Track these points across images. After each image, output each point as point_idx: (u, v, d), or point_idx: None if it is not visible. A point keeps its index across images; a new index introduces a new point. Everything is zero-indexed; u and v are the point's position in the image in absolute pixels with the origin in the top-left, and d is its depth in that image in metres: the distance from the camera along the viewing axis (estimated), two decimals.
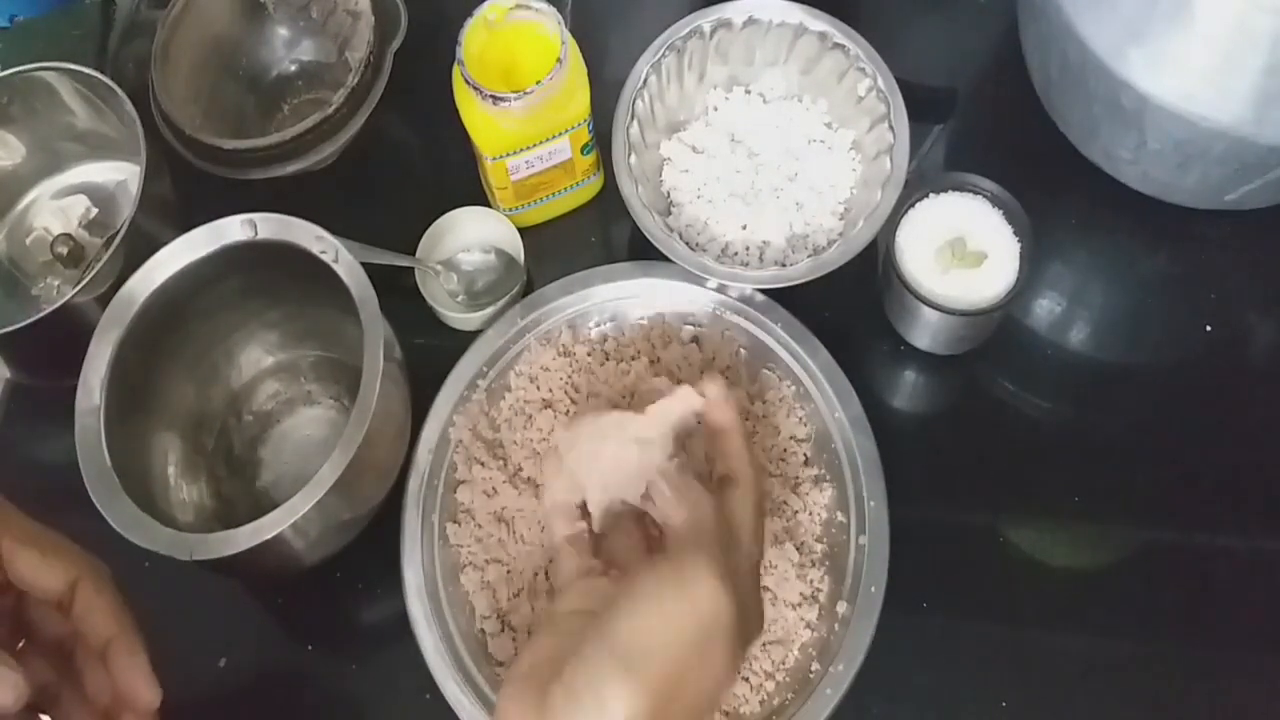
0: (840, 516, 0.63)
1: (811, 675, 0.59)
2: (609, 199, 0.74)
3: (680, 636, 0.42)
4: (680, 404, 0.51)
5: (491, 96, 0.63)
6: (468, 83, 0.64)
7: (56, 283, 0.74)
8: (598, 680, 0.41)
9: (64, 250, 0.73)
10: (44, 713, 0.49)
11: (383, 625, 0.65)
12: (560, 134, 0.67)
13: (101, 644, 0.49)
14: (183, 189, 0.71)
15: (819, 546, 0.63)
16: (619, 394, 0.66)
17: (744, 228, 0.69)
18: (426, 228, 0.72)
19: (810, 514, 0.63)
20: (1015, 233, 0.64)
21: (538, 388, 0.67)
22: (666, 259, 0.65)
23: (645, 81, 0.68)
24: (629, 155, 0.67)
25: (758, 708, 0.60)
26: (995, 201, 0.65)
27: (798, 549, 0.62)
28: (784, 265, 0.67)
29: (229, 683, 0.65)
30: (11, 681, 0.44)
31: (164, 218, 0.68)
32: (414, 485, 0.64)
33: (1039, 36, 0.69)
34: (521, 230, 0.72)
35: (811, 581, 0.62)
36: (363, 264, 0.61)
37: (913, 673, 0.62)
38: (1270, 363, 0.69)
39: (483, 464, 0.65)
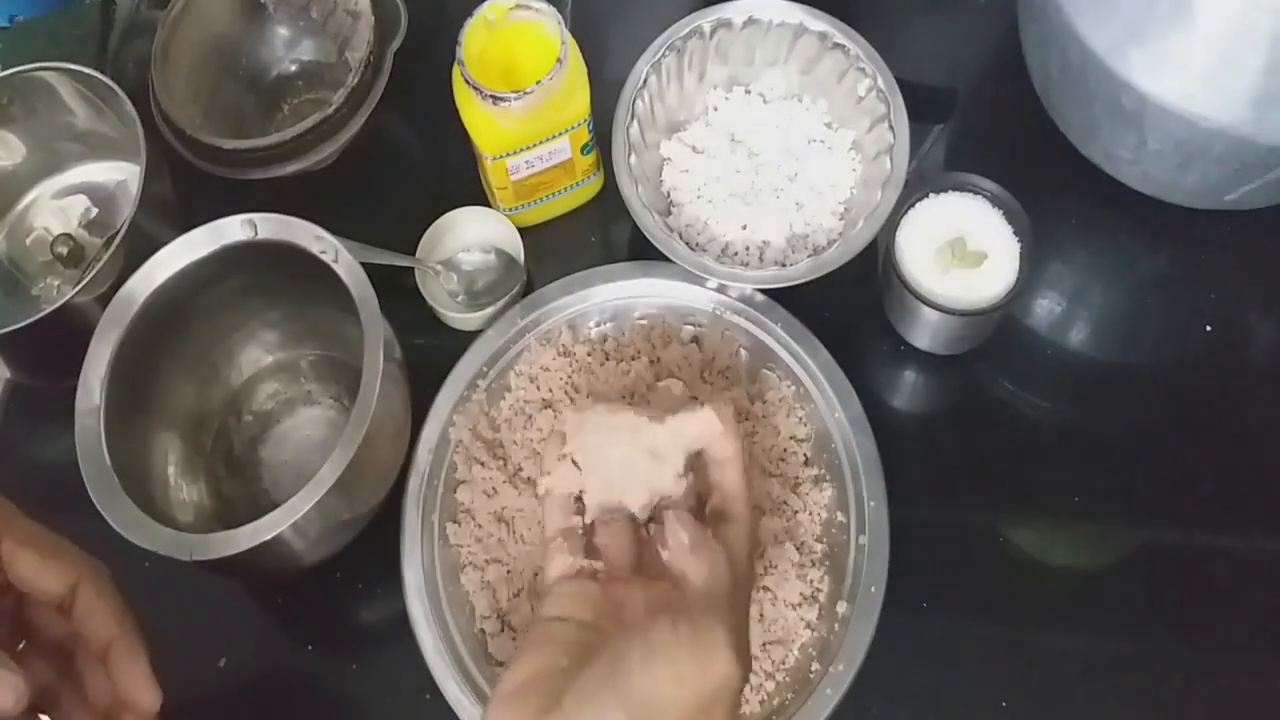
0: (840, 516, 0.63)
1: (811, 675, 0.59)
2: (609, 199, 0.73)
3: (691, 700, 0.42)
4: (700, 425, 0.49)
5: (491, 96, 0.63)
6: (468, 83, 0.64)
7: (56, 283, 0.74)
8: None
9: (64, 250, 0.73)
10: (44, 713, 0.49)
11: (383, 625, 0.65)
12: (560, 134, 0.67)
13: (102, 646, 0.49)
14: (183, 189, 0.71)
15: (819, 546, 0.63)
16: (621, 393, 0.66)
17: (744, 228, 0.69)
18: (426, 228, 0.72)
19: (810, 514, 0.63)
20: (1015, 233, 0.64)
21: (538, 388, 0.67)
22: (666, 259, 0.65)
23: (645, 81, 0.68)
24: (629, 155, 0.67)
25: (758, 708, 0.60)
26: (995, 201, 0.65)
27: (798, 549, 0.62)
28: (784, 265, 0.67)
29: (229, 683, 0.65)
30: (12, 684, 0.44)
31: (164, 218, 0.68)
32: (414, 485, 0.64)
33: (1039, 36, 0.69)
34: (521, 230, 0.72)
35: (811, 581, 0.62)
36: (363, 264, 0.61)
37: (913, 673, 0.62)
38: (1270, 363, 0.69)
39: (483, 464, 0.65)
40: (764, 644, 0.61)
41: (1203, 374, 0.69)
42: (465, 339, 0.68)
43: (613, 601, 0.48)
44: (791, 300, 0.66)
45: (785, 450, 0.65)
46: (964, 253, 0.64)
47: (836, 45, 0.68)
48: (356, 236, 0.65)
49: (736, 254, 0.69)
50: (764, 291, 0.66)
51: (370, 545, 0.63)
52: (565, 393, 0.67)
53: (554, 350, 0.68)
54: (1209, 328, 0.70)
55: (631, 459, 0.49)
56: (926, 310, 0.63)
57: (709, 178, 0.70)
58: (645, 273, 0.68)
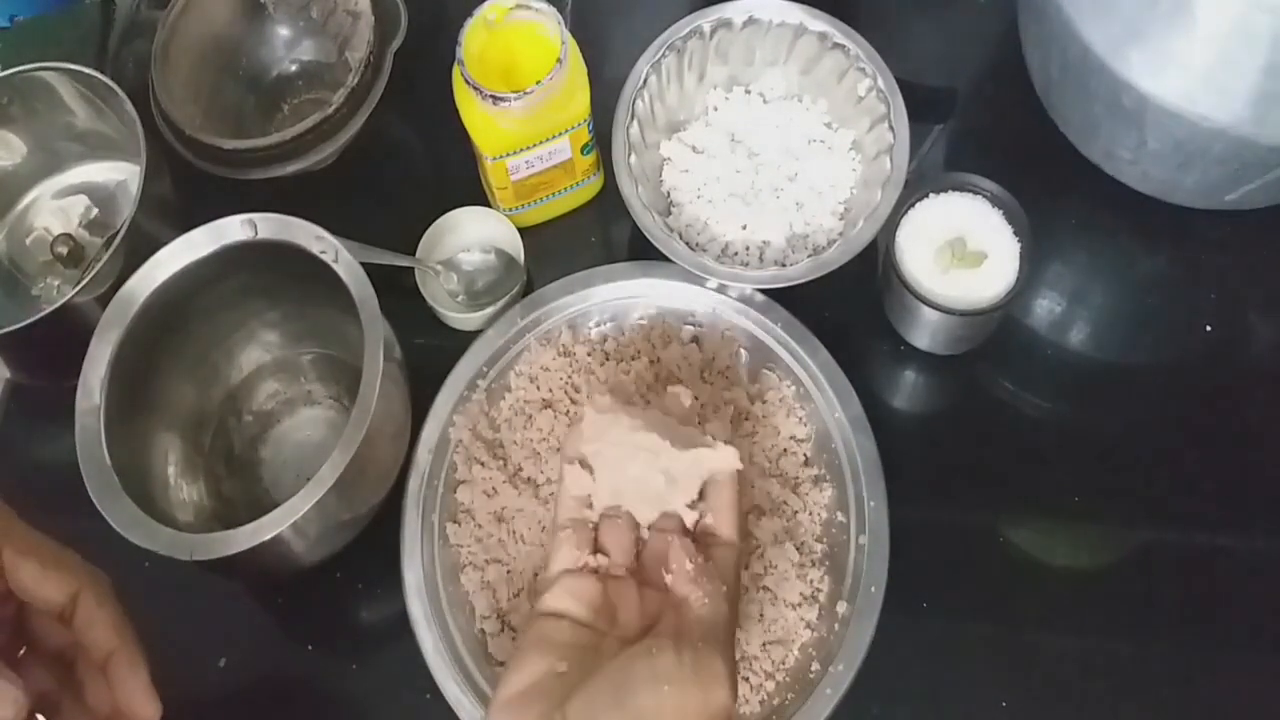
0: (840, 516, 0.63)
1: (811, 675, 0.59)
2: (609, 199, 0.73)
3: None
4: (719, 460, 0.51)
5: (491, 96, 0.63)
6: (468, 83, 0.64)
7: (56, 283, 0.74)
8: None
9: (64, 250, 0.73)
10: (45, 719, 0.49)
11: (383, 625, 0.65)
12: (560, 134, 0.67)
13: (102, 656, 0.49)
14: (183, 189, 0.71)
15: (819, 546, 0.63)
16: (636, 393, 0.65)
17: (744, 228, 0.69)
18: (426, 228, 0.72)
19: (810, 514, 0.63)
20: (1015, 233, 0.64)
21: (538, 388, 0.67)
22: (666, 259, 0.65)
23: (645, 81, 0.68)
24: (629, 155, 0.67)
25: (758, 708, 0.60)
26: (995, 201, 0.65)
27: (798, 549, 0.62)
28: (784, 265, 0.67)
29: (229, 683, 0.65)
30: (11, 696, 0.44)
31: (164, 218, 0.68)
32: (414, 485, 0.64)
33: (1039, 36, 0.69)
34: (521, 230, 0.72)
35: (811, 581, 0.62)
36: (363, 264, 0.61)
37: (913, 673, 0.62)
38: (1270, 363, 0.69)
39: (483, 464, 0.65)
40: (764, 644, 0.61)
41: (1203, 374, 0.69)
42: (465, 339, 0.68)
43: (609, 600, 0.49)
44: (791, 300, 0.66)
45: (785, 450, 0.65)
46: (964, 253, 0.64)
47: (836, 45, 0.68)
48: (356, 236, 0.65)
49: (736, 254, 0.69)
50: (764, 291, 0.66)
51: (370, 545, 0.63)
52: (565, 393, 0.67)
53: (554, 350, 0.68)
54: (1209, 328, 0.70)
55: (648, 479, 0.51)
56: (926, 310, 0.63)
57: (709, 178, 0.70)
58: (645, 273, 0.68)
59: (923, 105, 0.69)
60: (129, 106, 0.68)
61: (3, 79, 0.70)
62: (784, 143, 0.71)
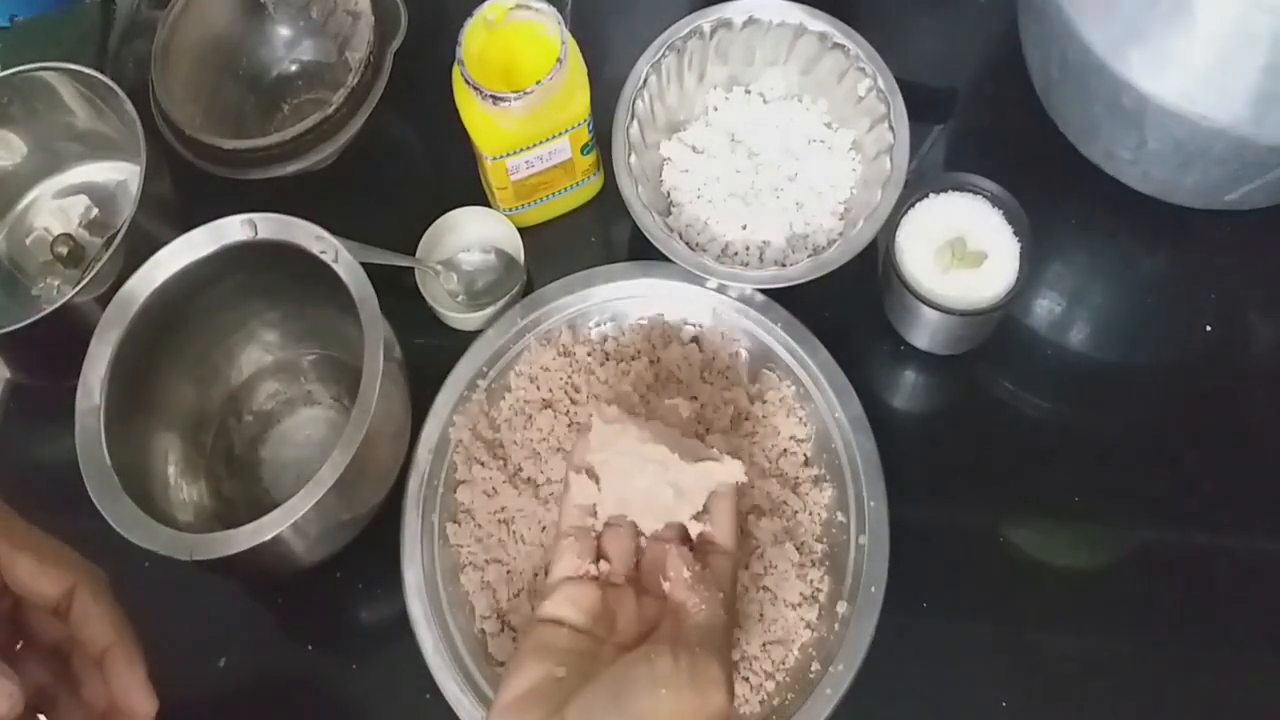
0: (840, 516, 0.63)
1: (811, 675, 0.59)
2: (609, 199, 0.73)
3: None
4: (725, 473, 0.51)
5: (491, 96, 0.63)
6: (468, 83, 0.64)
7: (56, 283, 0.74)
8: None
9: (64, 250, 0.73)
10: (42, 713, 0.49)
11: (383, 625, 0.65)
12: (560, 134, 0.67)
13: (98, 652, 0.49)
14: (183, 189, 0.71)
15: (819, 546, 0.63)
16: (636, 396, 0.65)
17: (744, 228, 0.69)
18: (426, 228, 0.72)
19: (810, 514, 0.63)
20: (1015, 233, 0.64)
21: (538, 388, 0.67)
22: (666, 259, 0.65)
23: (645, 81, 0.68)
24: (629, 155, 0.67)
25: (758, 708, 0.60)
26: (995, 201, 0.65)
27: (798, 549, 0.62)
28: (784, 265, 0.67)
29: (229, 683, 0.65)
30: (7, 691, 0.44)
31: (164, 218, 0.68)
32: (414, 485, 0.64)
33: (1039, 36, 0.69)
34: (521, 230, 0.72)
35: (811, 581, 0.62)
36: (363, 264, 0.61)
37: (913, 673, 0.62)
38: (1270, 363, 0.69)
39: (483, 464, 0.65)
40: (764, 644, 0.61)
41: (1203, 374, 0.69)
42: (465, 339, 0.68)
43: (608, 608, 0.49)
44: (791, 300, 0.66)
45: (785, 450, 0.65)
46: (964, 253, 0.64)
47: (836, 45, 0.68)
48: (356, 236, 0.65)
49: (736, 254, 0.69)
50: (764, 291, 0.66)
51: (370, 545, 0.63)
52: (565, 393, 0.67)
53: (554, 350, 0.68)
54: (1209, 328, 0.70)
55: (655, 490, 0.51)
56: (926, 310, 0.63)
57: (709, 178, 0.70)
58: (645, 273, 0.68)
59: (923, 105, 0.69)
60: (129, 106, 0.68)
61: (3, 79, 0.71)
62: (784, 143, 0.71)
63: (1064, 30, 0.63)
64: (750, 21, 0.69)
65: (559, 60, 0.64)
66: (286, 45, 0.79)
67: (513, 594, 0.63)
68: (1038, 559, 0.65)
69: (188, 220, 0.64)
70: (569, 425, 0.66)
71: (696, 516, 0.51)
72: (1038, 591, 0.64)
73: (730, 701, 0.46)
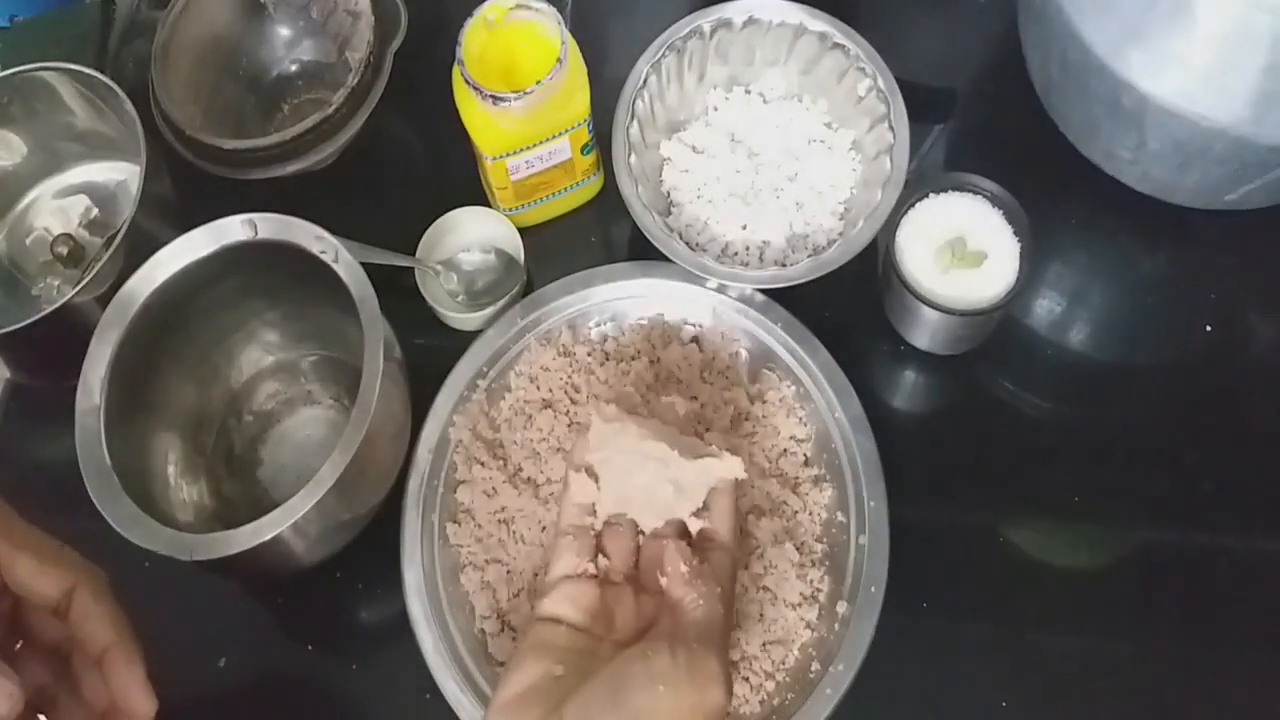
0: (840, 516, 0.63)
1: (811, 675, 0.59)
2: (609, 199, 0.73)
3: None
4: (724, 469, 0.52)
5: (491, 96, 0.63)
6: (468, 83, 0.64)
7: (56, 283, 0.74)
8: None
9: (64, 250, 0.73)
10: (42, 713, 0.49)
11: (383, 625, 0.65)
12: (560, 134, 0.67)
13: (98, 651, 0.49)
14: (183, 189, 0.71)
15: (819, 546, 0.63)
16: (638, 397, 0.65)
17: (744, 228, 0.69)
18: (426, 228, 0.72)
19: (810, 514, 0.63)
20: (1015, 233, 0.64)
21: (538, 388, 0.67)
22: (666, 259, 0.65)
23: (645, 81, 0.68)
24: (629, 155, 0.67)
25: (758, 708, 0.60)
26: (995, 201, 0.65)
27: (798, 549, 0.62)
28: (784, 265, 0.67)
29: (229, 683, 0.65)
30: (7, 691, 0.44)
31: (164, 218, 0.68)
32: (414, 485, 0.64)
33: (1039, 36, 0.69)
34: (521, 230, 0.72)
35: (811, 581, 0.62)
36: (363, 264, 0.61)
37: (913, 673, 0.62)
38: (1270, 363, 0.69)
39: (483, 464, 0.65)
40: (764, 644, 0.61)
41: (1203, 374, 0.69)
42: (465, 339, 0.68)
43: (606, 606, 0.50)
44: (791, 300, 0.66)
45: (785, 450, 0.65)
46: (964, 253, 0.64)
47: (836, 45, 0.68)
48: (356, 236, 0.65)
49: (736, 254, 0.69)
50: (764, 291, 0.66)
51: (370, 545, 0.63)
52: (565, 393, 0.67)
53: (554, 350, 0.68)
54: (1209, 328, 0.70)
55: (655, 488, 0.51)
56: (926, 310, 0.63)
57: (709, 178, 0.70)
58: (645, 273, 0.68)
59: (923, 105, 0.69)
60: (129, 106, 0.68)
61: (3, 79, 0.71)
62: (784, 143, 0.71)
63: (1064, 30, 0.63)
64: (750, 21, 0.69)
65: (559, 60, 0.64)
66: (286, 45, 0.79)
67: (513, 594, 0.63)
68: (1038, 559, 0.65)
69: (188, 220, 0.64)
70: (569, 425, 0.66)
71: (696, 513, 0.51)
72: (1038, 591, 0.64)
73: (728, 696, 0.46)
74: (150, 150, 0.67)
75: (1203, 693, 0.61)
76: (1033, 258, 0.64)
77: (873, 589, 0.60)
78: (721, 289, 0.67)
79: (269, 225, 0.62)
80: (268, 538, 0.56)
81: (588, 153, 0.71)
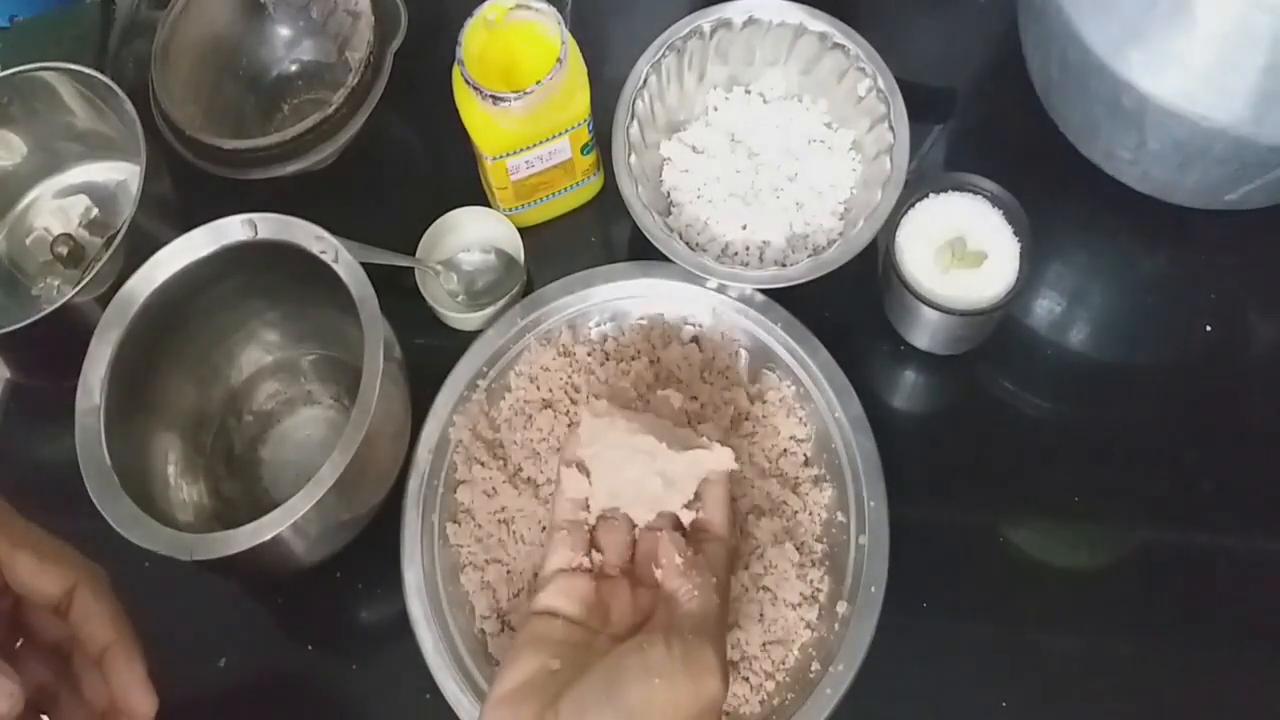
0: (840, 516, 0.63)
1: (811, 675, 0.59)
2: (609, 199, 0.73)
3: (681, 715, 0.45)
4: (715, 461, 0.52)
5: (491, 96, 0.63)
6: (468, 83, 0.64)
7: (56, 283, 0.74)
8: None
9: (64, 250, 0.73)
10: (43, 712, 0.49)
11: (383, 625, 0.65)
12: (560, 134, 0.67)
13: (99, 650, 0.49)
14: (183, 189, 0.71)
15: (819, 546, 0.63)
16: (635, 395, 0.65)
17: (744, 228, 0.69)
18: (426, 228, 0.72)
19: (810, 514, 0.63)
20: (1015, 233, 0.64)
21: (538, 388, 0.67)
22: (666, 259, 0.65)
23: (645, 81, 0.68)
24: (629, 155, 0.67)
25: (758, 708, 0.60)
26: (995, 201, 0.65)
27: (798, 549, 0.62)
28: (784, 265, 0.67)
29: (229, 683, 0.65)
30: (8, 690, 0.44)
31: (164, 218, 0.68)
32: (414, 485, 0.64)
33: (1039, 36, 0.69)
34: (521, 230, 0.72)
35: (811, 581, 0.62)
36: (363, 264, 0.61)
37: (913, 673, 0.62)
38: (1270, 363, 0.69)
39: (483, 464, 0.65)
40: (764, 644, 0.61)
41: (1203, 374, 0.69)
42: (465, 339, 0.68)
43: (602, 599, 0.50)
44: (791, 300, 0.66)
45: (785, 450, 0.65)
46: (964, 253, 0.64)
47: (836, 45, 0.68)
48: (356, 236, 0.65)
49: (736, 254, 0.69)
50: (764, 291, 0.66)
51: (370, 545, 0.63)
52: (565, 393, 0.67)
53: (554, 350, 0.68)
54: (1209, 328, 0.70)
55: (646, 481, 0.51)
56: (926, 310, 0.63)
57: (709, 178, 0.70)
58: (645, 273, 0.68)
59: (923, 105, 0.69)
60: (129, 106, 0.68)
61: (3, 79, 0.71)
62: (784, 143, 0.71)
63: (1064, 30, 0.63)
64: (750, 21, 0.69)
65: (559, 60, 0.64)
66: (286, 45, 0.79)
67: (512, 594, 0.63)
68: (1038, 559, 0.65)
69: (188, 220, 0.64)
70: (569, 425, 0.66)
71: (688, 505, 0.51)
72: (1038, 591, 0.64)
73: (724, 687, 0.46)
74: (150, 150, 0.67)
75: (1203, 693, 0.61)
76: (1033, 258, 0.64)
77: (873, 589, 0.60)
78: (721, 289, 0.67)
79: (269, 225, 0.62)
80: (268, 538, 0.56)
81: (588, 153, 0.71)
